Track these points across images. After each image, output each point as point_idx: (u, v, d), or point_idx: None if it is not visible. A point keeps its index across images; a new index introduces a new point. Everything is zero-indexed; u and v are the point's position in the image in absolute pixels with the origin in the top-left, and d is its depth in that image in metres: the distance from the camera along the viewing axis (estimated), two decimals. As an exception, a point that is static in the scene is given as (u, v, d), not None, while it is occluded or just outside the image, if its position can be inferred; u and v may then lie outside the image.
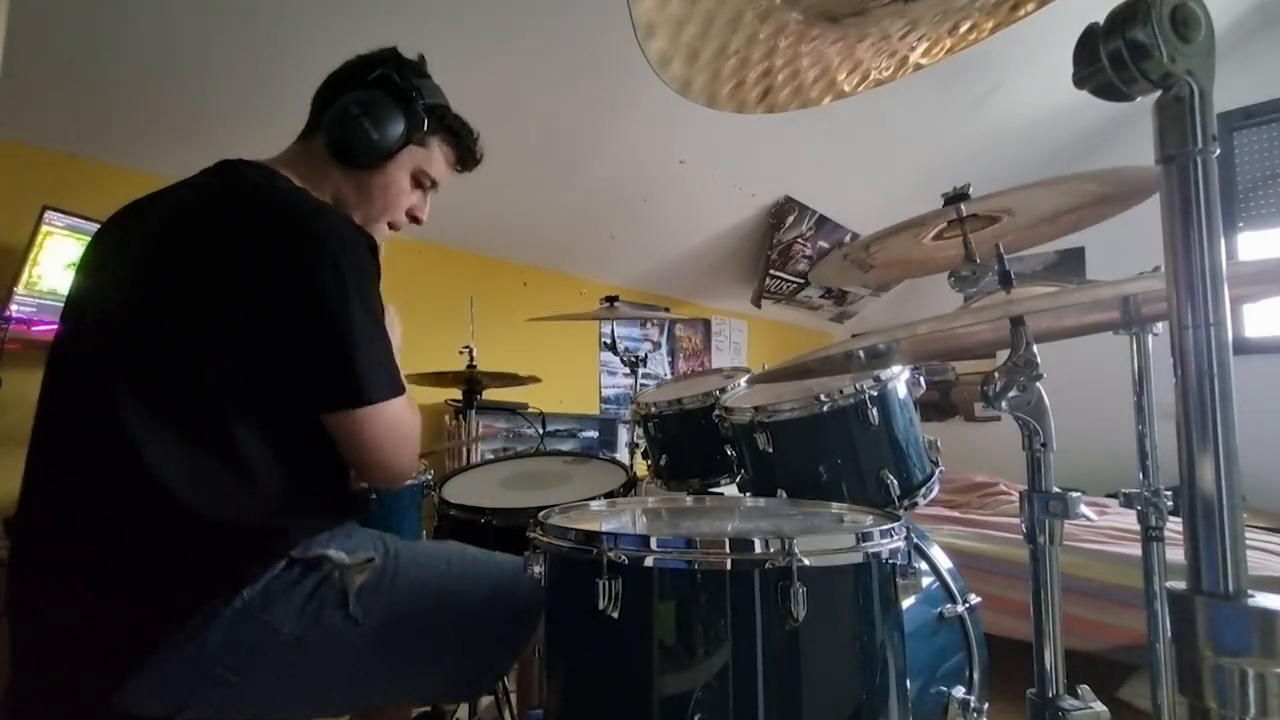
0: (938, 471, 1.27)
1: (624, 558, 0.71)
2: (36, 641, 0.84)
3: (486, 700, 1.75)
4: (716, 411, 1.36)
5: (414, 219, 1.14)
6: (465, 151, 1.15)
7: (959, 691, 1.12)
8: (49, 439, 0.89)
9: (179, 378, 0.86)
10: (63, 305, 0.98)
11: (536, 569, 0.82)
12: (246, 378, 0.86)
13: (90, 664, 0.80)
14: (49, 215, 1.87)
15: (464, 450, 2.30)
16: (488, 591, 0.99)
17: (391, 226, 1.12)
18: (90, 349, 0.90)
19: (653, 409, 1.55)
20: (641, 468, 1.70)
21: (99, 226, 1.01)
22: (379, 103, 1.02)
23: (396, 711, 1.15)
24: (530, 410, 2.74)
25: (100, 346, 0.89)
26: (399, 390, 0.92)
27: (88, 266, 0.97)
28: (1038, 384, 0.74)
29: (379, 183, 1.06)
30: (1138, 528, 1.10)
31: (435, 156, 1.11)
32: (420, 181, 1.11)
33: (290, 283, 0.85)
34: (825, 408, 1.19)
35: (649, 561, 0.72)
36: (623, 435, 3.32)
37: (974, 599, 1.21)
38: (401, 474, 0.97)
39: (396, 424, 0.92)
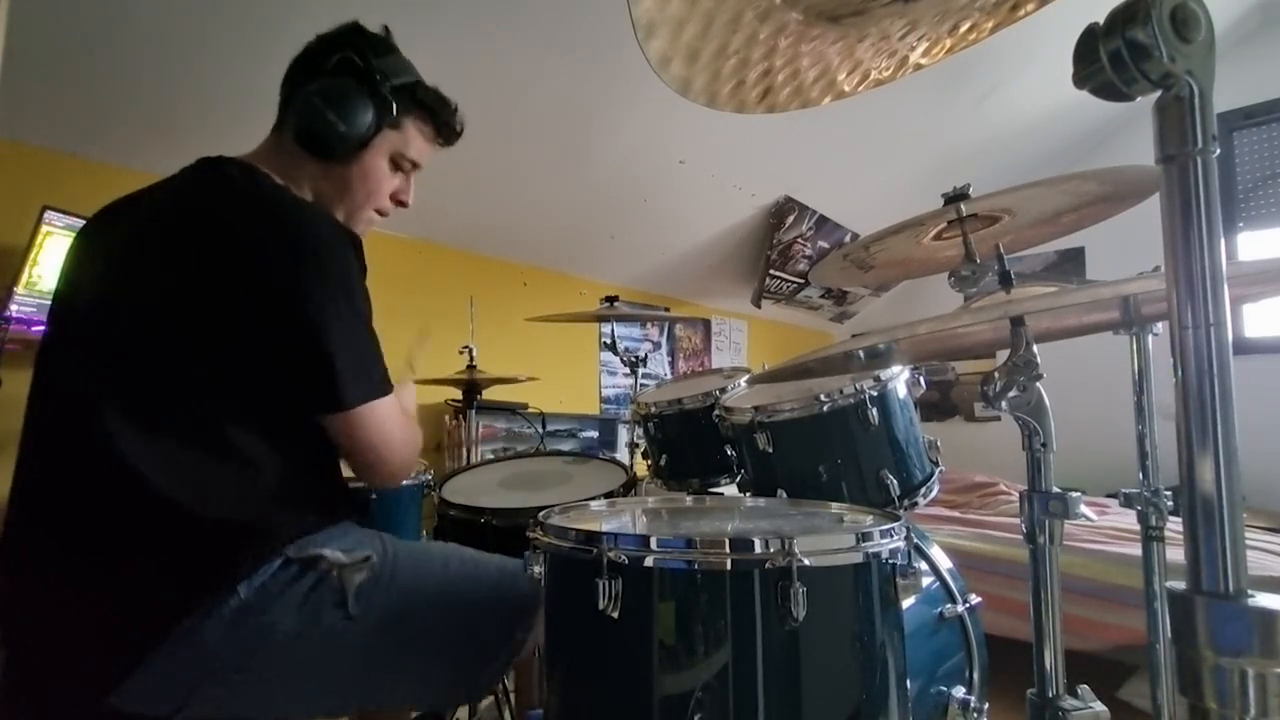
0: (938, 471, 1.27)
1: (624, 558, 0.71)
2: (31, 642, 0.83)
3: (486, 700, 1.75)
4: (716, 411, 1.36)
5: (399, 203, 1.11)
6: (443, 126, 1.10)
7: (959, 691, 1.12)
8: (36, 439, 0.89)
9: (160, 376, 0.85)
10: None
11: (536, 569, 0.82)
12: (230, 376, 0.85)
13: (85, 664, 0.79)
14: (49, 215, 1.87)
15: (464, 450, 2.30)
16: (486, 592, 0.98)
17: (379, 213, 1.09)
18: (71, 348, 0.90)
19: (653, 409, 1.54)
20: (641, 468, 1.70)
21: (81, 225, 1.00)
22: (343, 91, 0.98)
23: (395, 713, 1.15)
24: (530, 410, 2.74)
25: (81, 345, 0.89)
26: (385, 390, 0.91)
27: (70, 267, 0.97)
28: (1038, 384, 0.74)
29: (356, 173, 1.03)
30: (1138, 528, 1.10)
31: (411, 137, 1.07)
32: (400, 164, 1.08)
33: (272, 284, 0.85)
34: (825, 408, 1.19)
35: (649, 561, 0.72)
36: (623, 435, 3.32)
37: (974, 599, 1.21)
38: (393, 473, 0.96)
39: (383, 424, 0.91)
